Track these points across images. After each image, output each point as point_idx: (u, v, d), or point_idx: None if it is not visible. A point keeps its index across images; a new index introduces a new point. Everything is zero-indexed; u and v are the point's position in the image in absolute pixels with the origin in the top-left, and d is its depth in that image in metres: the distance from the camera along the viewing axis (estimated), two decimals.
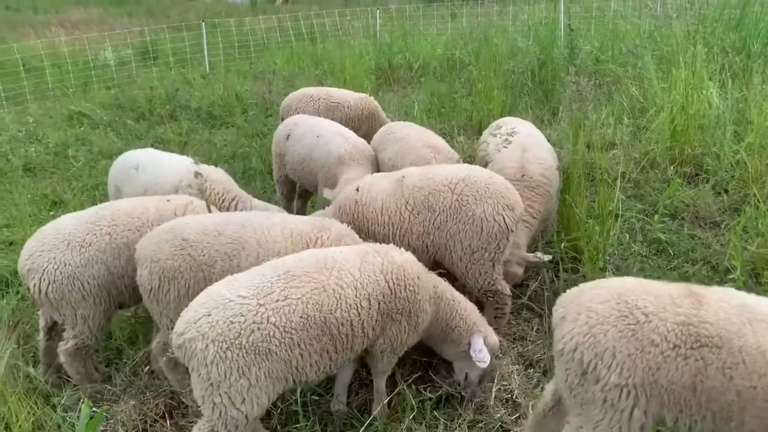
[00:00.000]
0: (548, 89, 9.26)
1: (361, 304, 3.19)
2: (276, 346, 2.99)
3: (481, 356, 3.58)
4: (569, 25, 10.16)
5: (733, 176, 6.18)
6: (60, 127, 10.77)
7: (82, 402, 3.38)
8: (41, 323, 4.18)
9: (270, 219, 3.90)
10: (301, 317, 3.04)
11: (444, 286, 3.67)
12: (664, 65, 7.60)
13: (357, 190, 4.36)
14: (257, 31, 18.17)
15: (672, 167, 6.33)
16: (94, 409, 3.58)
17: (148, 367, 4.25)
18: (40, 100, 12.85)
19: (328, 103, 7.22)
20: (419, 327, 3.48)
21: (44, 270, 3.77)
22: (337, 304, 3.12)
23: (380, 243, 3.99)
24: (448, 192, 4.05)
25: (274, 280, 3.09)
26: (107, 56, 16.19)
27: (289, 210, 6.27)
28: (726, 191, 6.16)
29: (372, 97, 7.62)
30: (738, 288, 4.49)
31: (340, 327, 3.14)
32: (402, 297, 3.33)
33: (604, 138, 6.88)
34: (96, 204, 4.49)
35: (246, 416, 3.03)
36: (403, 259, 3.43)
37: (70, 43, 16.63)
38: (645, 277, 4.79)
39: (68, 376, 4.13)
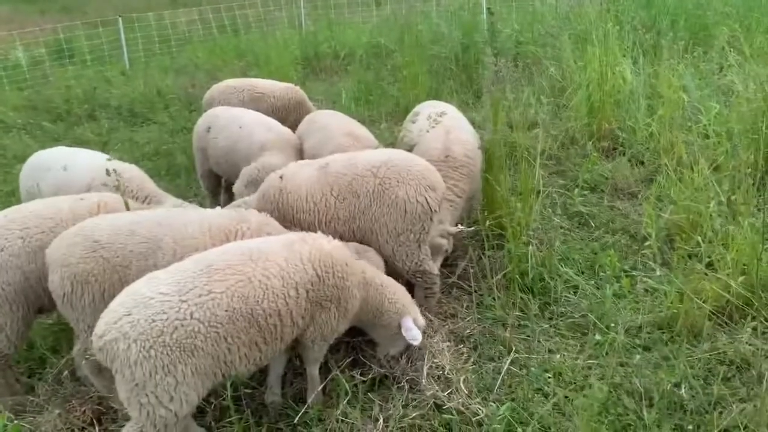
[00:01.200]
0: (471, 73, 9.42)
1: (288, 293, 3.17)
2: (201, 341, 2.94)
3: (413, 335, 3.63)
4: (489, 9, 10.33)
5: (647, 148, 6.45)
6: None
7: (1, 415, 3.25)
8: None
9: (186, 215, 3.81)
10: (226, 311, 2.99)
11: (372, 272, 3.69)
12: (579, 45, 7.84)
13: (281, 178, 4.32)
14: (178, 24, 17.66)
15: (590, 143, 6.57)
16: (14, 421, 3.44)
17: (73, 375, 4.12)
18: None
19: (252, 93, 7.10)
20: (349, 313, 3.49)
21: None
22: (264, 295, 3.09)
23: (306, 230, 3.99)
24: (371, 176, 4.07)
25: (197, 274, 3.03)
26: (18, 56, 15.45)
27: (215, 205, 6.14)
28: (642, 163, 6.44)
29: (298, 87, 7.55)
30: (653, 254, 4.78)
31: (268, 318, 3.11)
32: (331, 284, 3.33)
33: (526, 118, 7.04)
34: None
35: (175, 414, 2.97)
36: (332, 246, 3.42)
37: None
38: (568, 248, 5.05)
39: None
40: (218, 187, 6.22)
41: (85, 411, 3.76)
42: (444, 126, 4.90)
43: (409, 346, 3.86)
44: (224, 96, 7.11)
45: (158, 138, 9.31)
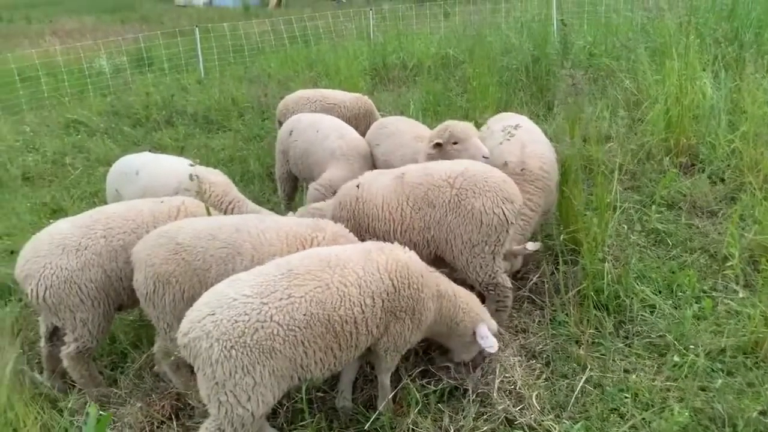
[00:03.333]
0: (542, 85, 9.29)
1: (365, 302, 3.21)
2: (280, 344, 3.01)
3: (489, 342, 3.62)
4: (562, 20, 10.18)
5: (728, 165, 6.22)
6: (57, 136, 10.79)
7: (89, 405, 3.40)
8: (42, 329, 4.21)
9: (264, 222, 3.91)
10: (304, 315, 3.06)
11: (446, 284, 3.69)
12: (657, 57, 7.63)
13: (358, 186, 4.38)
14: (251, 35, 18.19)
15: (668, 158, 6.37)
16: (100, 412, 3.60)
17: (152, 370, 4.28)
18: (36, 109, 12.86)
19: (324, 104, 7.25)
20: (422, 325, 3.50)
21: (41, 275, 3.80)
22: (340, 302, 3.15)
23: (381, 239, 4.05)
24: (447, 187, 4.08)
25: (278, 278, 3.11)
26: (102, 64, 16.23)
27: (289, 210, 6.30)
28: (722, 180, 6.20)
29: (367, 97, 7.66)
30: (736, 275, 4.60)
31: (344, 324, 3.16)
32: (406, 295, 3.35)
33: (600, 131, 6.91)
34: None
35: (252, 414, 3.05)
36: (407, 257, 3.45)
37: (64, 52, 16.67)
38: (644, 266, 4.91)
39: (73, 381, 4.15)
40: (294, 190, 6.42)
41: (164, 405, 3.91)
42: (519, 139, 4.86)
43: (481, 352, 3.84)
44: (297, 106, 7.30)
45: (233, 145, 9.58)
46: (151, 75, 15.25)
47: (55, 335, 4.18)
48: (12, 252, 6.55)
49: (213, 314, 2.97)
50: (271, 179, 7.59)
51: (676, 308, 4.48)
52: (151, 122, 11.13)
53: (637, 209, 5.67)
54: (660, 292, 4.72)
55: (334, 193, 5.01)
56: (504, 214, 4.03)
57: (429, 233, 4.14)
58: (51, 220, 6.93)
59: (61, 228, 4.00)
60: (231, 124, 10.70)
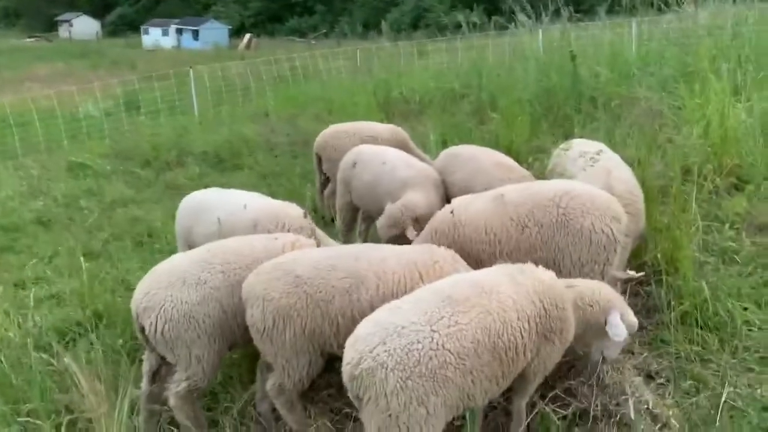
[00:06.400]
0: (559, 114, 9.45)
1: (523, 326, 3.12)
2: (452, 372, 2.88)
3: (618, 331, 3.42)
4: (571, 51, 10.40)
5: None
6: (62, 179, 10.49)
7: None
8: (145, 368, 4.00)
9: (381, 250, 3.83)
10: (471, 342, 2.94)
11: (574, 292, 3.57)
12: (684, 83, 7.83)
13: (452, 213, 4.32)
14: (232, 76, 18.19)
15: (718, 178, 6.47)
16: None
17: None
18: (31, 154, 12.51)
19: (362, 136, 7.21)
20: (568, 342, 3.41)
21: (161, 308, 3.64)
22: (503, 328, 3.05)
23: (486, 263, 3.97)
24: (553, 206, 4.04)
25: (441, 305, 3.00)
26: (89, 108, 16.02)
27: (351, 239, 6.21)
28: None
29: (400, 128, 7.68)
30: None
31: (507, 351, 3.06)
32: (555, 316, 3.27)
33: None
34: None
35: None
36: (550, 277, 3.38)
37: (49, 98, 16.43)
38: (729, 284, 4.92)
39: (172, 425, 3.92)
40: (354, 221, 6.34)
41: None
42: (604, 165, 4.87)
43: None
44: (335, 140, 7.25)
45: (250, 182, 9.41)
46: (143, 118, 15.09)
47: (157, 374, 3.97)
48: (53, 296, 6.25)
49: (384, 344, 2.83)
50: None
51: None
52: (160, 162, 10.92)
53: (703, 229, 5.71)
54: (746, 309, 4.74)
55: (416, 219, 4.96)
56: (612, 232, 4.00)
57: (536, 254, 4.07)
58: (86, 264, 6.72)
59: (180, 261, 3.89)
60: (243, 162, 10.58)
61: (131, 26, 74.28)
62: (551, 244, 4.05)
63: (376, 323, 2.96)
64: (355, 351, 2.87)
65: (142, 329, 3.74)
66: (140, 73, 22.15)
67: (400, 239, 4.84)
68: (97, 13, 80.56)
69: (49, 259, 7.21)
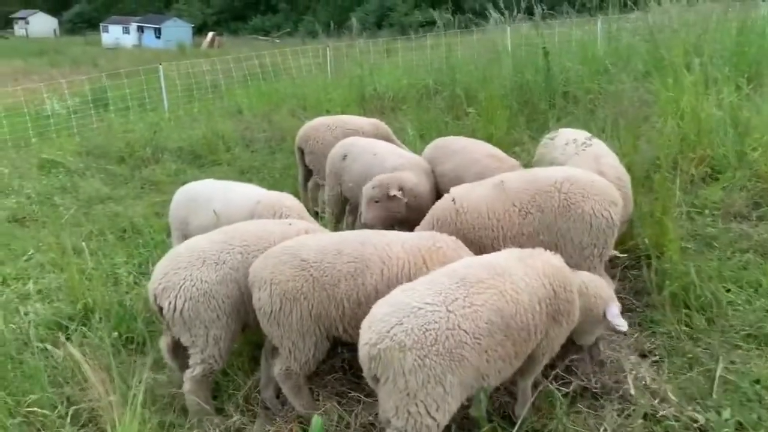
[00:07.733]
0: (536, 109, 9.66)
1: (534, 308, 3.22)
2: (468, 352, 2.97)
3: (619, 322, 3.60)
4: (544, 47, 10.61)
5: (752, 172, 6.61)
6: (34, 177, 10.25)
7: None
8: (163, 347, 4.08)
9: (385, 235, 3.89)
10: (486, 323, 3.03)
11: (579, 278, 3.70)
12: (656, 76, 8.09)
13: (453, 200, 4.40)
14: (201, 74, 18.01)
15: (693, 168, 6.71)
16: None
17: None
18: None
19: (344, 129, 7.26)
20: (574, 324, 3.52)
21: (180, 287, 3.67)
22: (516, 310, 3.14)
23: (489, 248, 4.07)
24: (554, 191, 4.16)
25: (455, 287, 3.08)
26: (55, 105, 15.66)
27: (339, 231, 6.26)
28: (744, 188, 6.57)
29: (383, 122, 7.75)
30: None
31: (520, 332, 3.16)
32: (563, 298, 3.38)
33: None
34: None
35: (438, 425, 2.98)
36: (558, 260, 3.49)
37: (13, 95, 16.04)
38: (711, 266, 5.12)
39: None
40: (342, 213, 6.40)
41: (291, 428, 3.73)
42: (593, 151, 5.03)
43: (597, 344, 3.86)
44: (318, 133, 7.28)
45: (229, 177, 9.19)
46: (112, 114, 14.82)
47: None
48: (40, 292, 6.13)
49: (401, 323, 2.90)
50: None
51: (749, 303, 4.70)
52: (135, 159, 10.76)
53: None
54: (728, 290, 4.94)
55: (401, 190, 4.99)
56: (611, 216, 4.14)
57: (538, 238, 4.19)
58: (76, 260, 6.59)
59: (199, 242, 3.92)
60: (221, 158, 10.52)
61: (90, 24, 72.83)
62: (553, 229, 4.17)
63: (392, 304, 3.02)
64: (372, 331, 2.93)
65: (160, 310, 3.75)
66: (104, 71, 21.71)
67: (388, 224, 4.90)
68: (54, 11, 78.59)
69: (29, 256, 7.06)
